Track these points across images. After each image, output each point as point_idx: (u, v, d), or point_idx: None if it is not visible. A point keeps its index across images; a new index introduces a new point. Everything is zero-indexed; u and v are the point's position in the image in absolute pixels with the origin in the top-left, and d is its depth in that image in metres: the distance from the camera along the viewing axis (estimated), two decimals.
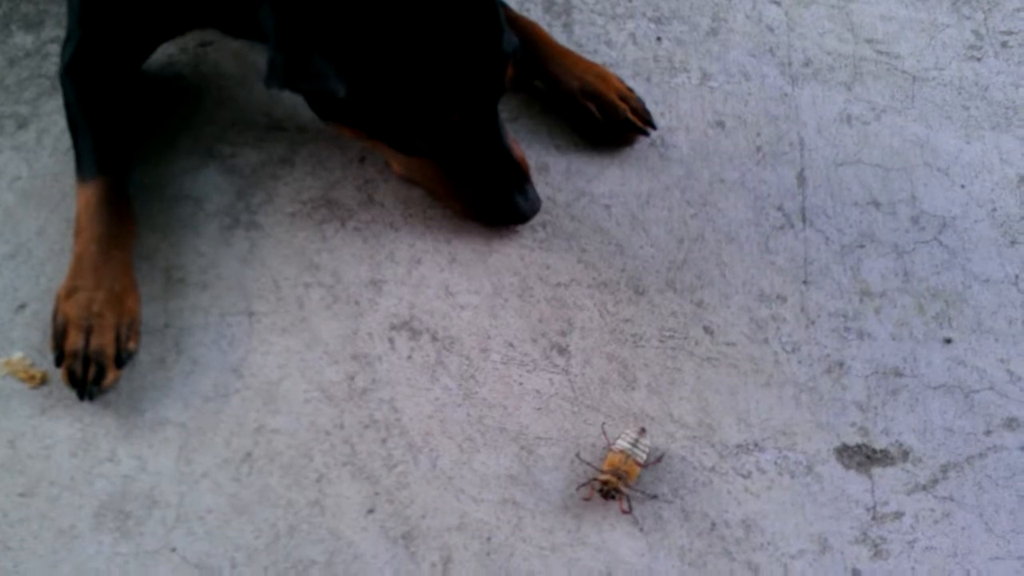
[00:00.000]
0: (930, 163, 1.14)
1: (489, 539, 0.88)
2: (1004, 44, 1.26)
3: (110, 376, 0.90)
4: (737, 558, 0.88)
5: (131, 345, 0.92)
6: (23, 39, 1.18)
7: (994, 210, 1.11)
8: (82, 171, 0.98)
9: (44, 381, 0.93)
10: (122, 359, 0.91)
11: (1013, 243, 1.09)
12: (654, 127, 1.11)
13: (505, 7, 1.17)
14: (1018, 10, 1.29)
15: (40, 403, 0.92)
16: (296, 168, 1.09)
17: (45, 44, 1.17)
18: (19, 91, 1.13)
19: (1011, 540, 0.90)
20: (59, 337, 0.91)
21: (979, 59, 1.24)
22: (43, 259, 1.01)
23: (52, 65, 1.15)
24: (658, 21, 1.24)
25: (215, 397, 0.94)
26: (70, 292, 0.92)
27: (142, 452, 0.90)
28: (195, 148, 1.10)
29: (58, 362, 0.91)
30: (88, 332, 0.90)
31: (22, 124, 1.11)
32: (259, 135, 1.11)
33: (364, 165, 1.10)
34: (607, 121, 1.11)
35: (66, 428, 0.91)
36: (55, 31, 1.18)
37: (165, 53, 1.16)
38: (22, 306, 0.98)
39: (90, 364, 0.90)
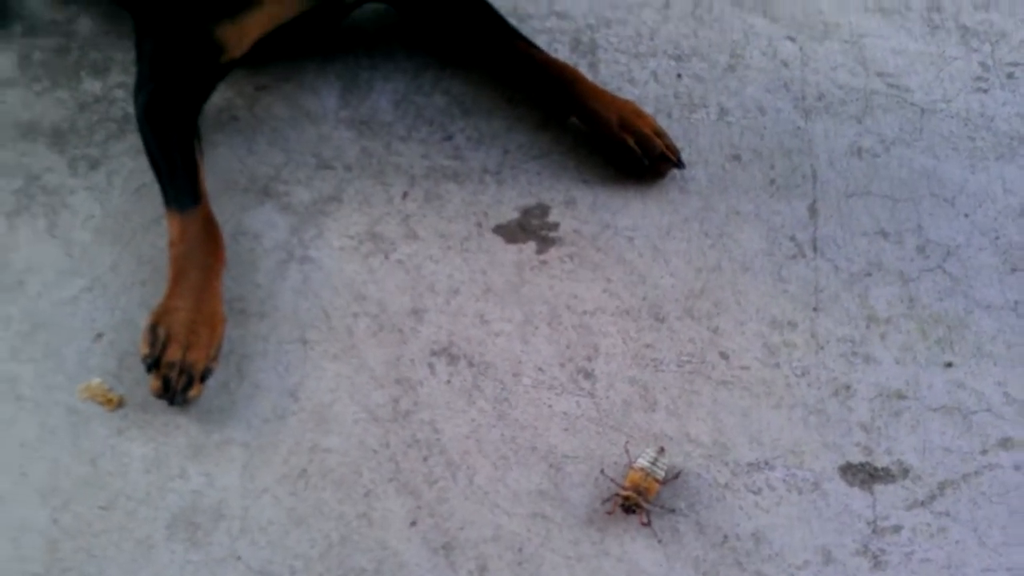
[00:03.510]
0: (936, 193, 1.21)
1: (521, 550, 0.97)
2: (1010, 76, 1.32)
3: (196, 388, 1.01)
4: (747, 569, 0.96)
5: (214, 364, 1.03)
6: (92, 85, 1.28)
7: (997, 238, 1.18)
8: (179, 203, 1.08)
9: (120, 405, 1.04)
10: (205, 376, 1.02)
11: (1014, 270, 1.15)
12: (684, 166, 1.19)
13: (539, 49, 1.26)
14: None
15: (117, 425, 1.03)
16: (344, 205, 1.18)
17: (112, 89, 1.28)
18: (89, 134, 1.24)
19: (1002, 553, 0.97)
20: (159, 348, 1.01)
21: (986, 91, 1.31)
22: (117, 292, 1.11)
23: (119, 110, 1.26)
24: (678, 59, 1.32)
25: (274, 419, 1.04)
26: (170, 310, 1.03)
27: (209, 469, 1.00)
28: (252, 186, 1.20)
29: (150, 369, 1.01)
30: (187, 348, 1.01)
31: (93, 166, 1.21)
32: (309, 174, 1.21)
33: (406, 201, 1.19)
34: (644, 154, 1.19)
35: (140, 448, 1.02)
36: (121, 77, 1.29)
37: (223, 96, 1.26)
38: (99, 335, 1.08)
39: (183, 375, 1.00)
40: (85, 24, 1.33)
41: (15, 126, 1.24)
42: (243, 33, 1.13)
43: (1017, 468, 1.02)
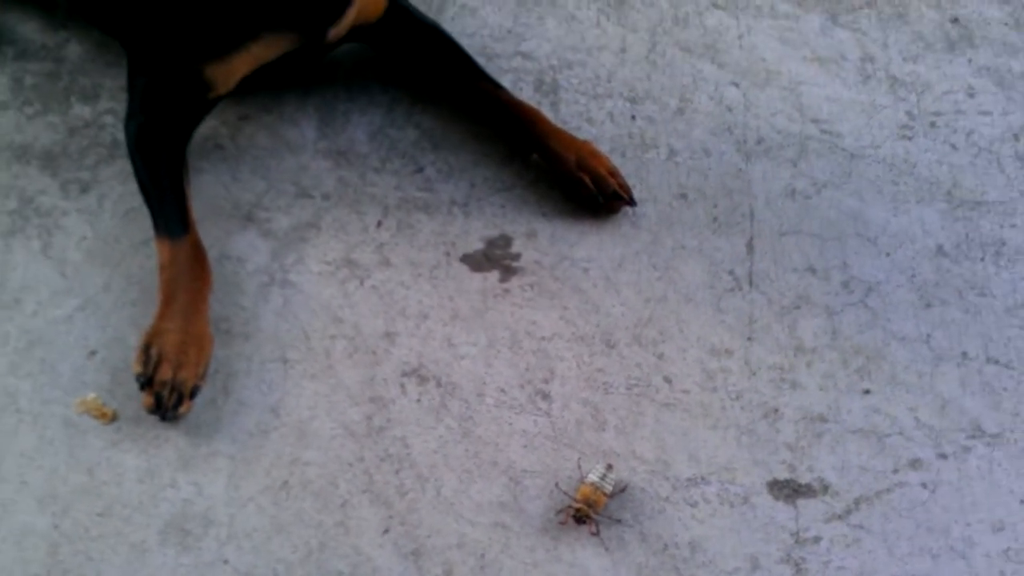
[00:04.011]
0: (861, 233, 1.34)
1: (483, 556, 1.08)
2: (932, 124, 1.45)
3: (185, 405, 1.10)
4: (684, 574, 1.08)
5: (202, 382, 1.12)
6: (82, 110, 1.36)
7: (913, 276, 1.31)
8: (168, 230, 1.16)
9: (114, 419, 1.12)
10: (194, 393, 1.11)
11: (928, 306, 1.29)
12: (635, 203, 1.30)
13: (505, 90, 1.36)
14: (946, 93, 1.48)
15: (111, 437, 1.12)
16: (322, 232, 1.28)
17: (101, 115, 1.35)
18: (80, 158, 1.32)
19: (908, 562, 1.10)
20: (152, 367, 1.09)
21: (910, 138, 1.44)
22: (109, 311, 1.20)
23: (108, 135, 1.33)
24: (633, 101, 1.43)
25: (257, 433, 1.13)
26: (161, 332, 1.11)
27: (198, 479, 1.10)
28: (235, 213, 1.28)
29: (143, 387, 1.10)
30: (177, 367, 1.09)
31: (84, 189, 1.29)
32: (289, 202, 1.30)
33: (380, 230, 1.29)
34: (599, 191, 1.29)
35: (134, 459, 1.10)
36: (110, 103, 1.36)
37: (209, 126, 1.34)
38: (93, 353, 1.17)
39: (173, 393, 1.09)
40: (75, 50, 1.40)
41: (8, 148, 1.31)
42: (230, 72, 1.22)
43: (924, 486, 1.15)
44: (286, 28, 1.22)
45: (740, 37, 1.50)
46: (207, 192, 1.29)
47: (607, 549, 1.09)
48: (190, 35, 1.19)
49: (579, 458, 1.14)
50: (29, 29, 1.41)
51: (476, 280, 1.26)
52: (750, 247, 1.31)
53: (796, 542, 1.11)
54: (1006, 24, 1.55)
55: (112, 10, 1.29)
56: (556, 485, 1.12)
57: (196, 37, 1.19)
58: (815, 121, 1.44)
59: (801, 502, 1.13)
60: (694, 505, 1.12)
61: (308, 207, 1.30)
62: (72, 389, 1.14)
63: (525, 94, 1.41)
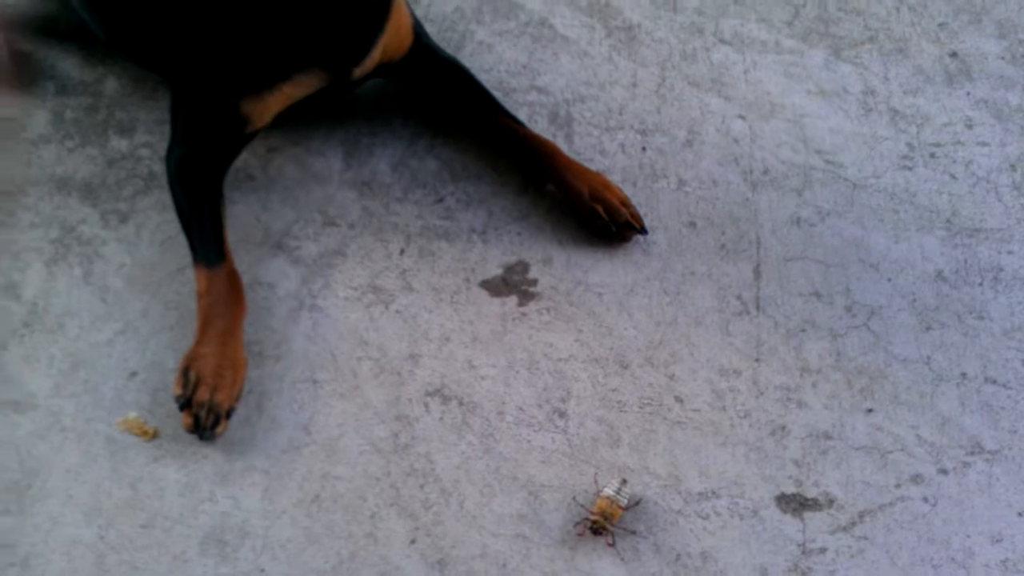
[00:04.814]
0: (863, 260, 1.40)
1: (504, 565, 1.13)
2: (932, 155, 1.52)
3: (222, 425, 1.16)
4: None
5: (237, 403, 1.18)
6: (119, 143, 1.43)
7: (914, 300, 1.37)
8: (206, 259, 1.22)
9: (155, 436, 1.18)
10: (229, 413, 1.17)
11: (928, 329, 1.34)
12: (647, 232, 1.37)
13: (522, 124, 1.43)
14: (946, 124, 1.55)
15: (153, 454, 1.18)
16: (348, 259, 1.34)
17: (138, 148, 1.42)
18: (118, 190, 1.39)
19: (910, 572, 1.15)
20: (191, 389, 1.16)
21: (910, 168, 1.50)
22: (148, 335, 1.26)
23: (145, 167, 1.40)
24: (643, 133, 1.50)
25: (290, 449, 1.19)
26: (199, 356, 1.18)
27: (235, 493, 1.15)
28: (266, 241, 1.35)
29: (182, 408, 1.16)
30: (214, 389, 1.16)
31: (123, 219, 1.36)
32: (317, 230, 1.37)
33: (403, 256, 1.35)
34: (612, 221, 1.36)
35: (174, 474, 1.16)
36: (145, 136, 1.43)
37: (240, 158, 1.41)
38: (133, 374, 1.23)
39: (210, 414, 1.15)
40: (112, 85, 1.48)
41: (50, 180, 1.38)
42: (266, 108, 1.29)
43: (925, 500, 1.21)
44: (317, 67, 1.29)
45: (746, 72, 1.57)
46: (239, 221, 1.36)
47: (623, 559, 1.14)
48: (229, 74, 1.26)
49: (595, 473, 1.20)
50: (69, 65, 1.49)
51: (495, 304, 1.32)
52: (757, 273, 1.37)
53: (803, 553, 1.16)
54: (1003, 58, 1.61)
55: (154, 49, 1.36)
56: (573, 498, 1.18)
57: (234, 76, 1.26)
58: (819, 152, 1.50)
59: (808, 515, 1.18)
60: (705, 518, 1.18)
61: (335, 235, 1.36)
62: (114, 408, 1.20)
63: (540, 126, 1.48)
